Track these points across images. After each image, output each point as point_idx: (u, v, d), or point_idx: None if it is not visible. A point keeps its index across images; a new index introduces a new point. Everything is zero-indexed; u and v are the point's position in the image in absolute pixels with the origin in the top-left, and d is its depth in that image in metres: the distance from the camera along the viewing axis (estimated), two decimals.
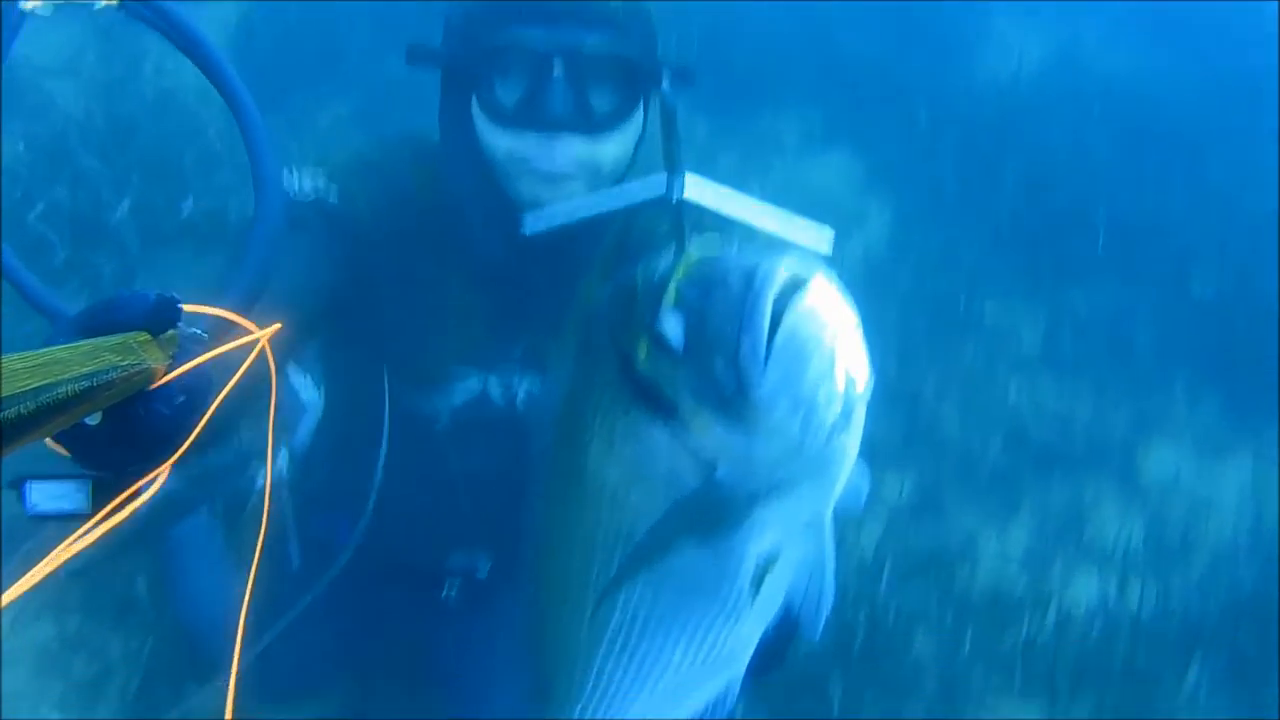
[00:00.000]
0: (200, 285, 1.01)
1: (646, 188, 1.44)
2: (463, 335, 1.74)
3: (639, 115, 1.60)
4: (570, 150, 1.54)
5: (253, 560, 1.01)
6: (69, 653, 2.37)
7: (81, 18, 1.20)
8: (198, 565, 2.26)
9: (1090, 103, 4.13)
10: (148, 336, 0.88)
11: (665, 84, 1.51)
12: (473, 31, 1.56)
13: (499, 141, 1.55)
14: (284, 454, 2.04)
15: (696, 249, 1.28)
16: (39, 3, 1.16)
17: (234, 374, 0.95)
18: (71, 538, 0.80)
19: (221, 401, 0.92)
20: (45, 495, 0.85)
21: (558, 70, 1.50)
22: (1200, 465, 3.39)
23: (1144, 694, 2.76)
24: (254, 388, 1.00)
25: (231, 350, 0.95)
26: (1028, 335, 3.62)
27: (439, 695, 2.10)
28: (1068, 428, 3.38)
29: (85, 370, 0.70)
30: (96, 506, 0.85)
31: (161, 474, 0.88)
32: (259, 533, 1.06)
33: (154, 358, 0.87)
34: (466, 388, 1.77)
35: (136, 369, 0.81)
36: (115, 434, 0.86)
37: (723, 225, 1.45)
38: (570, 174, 1.55)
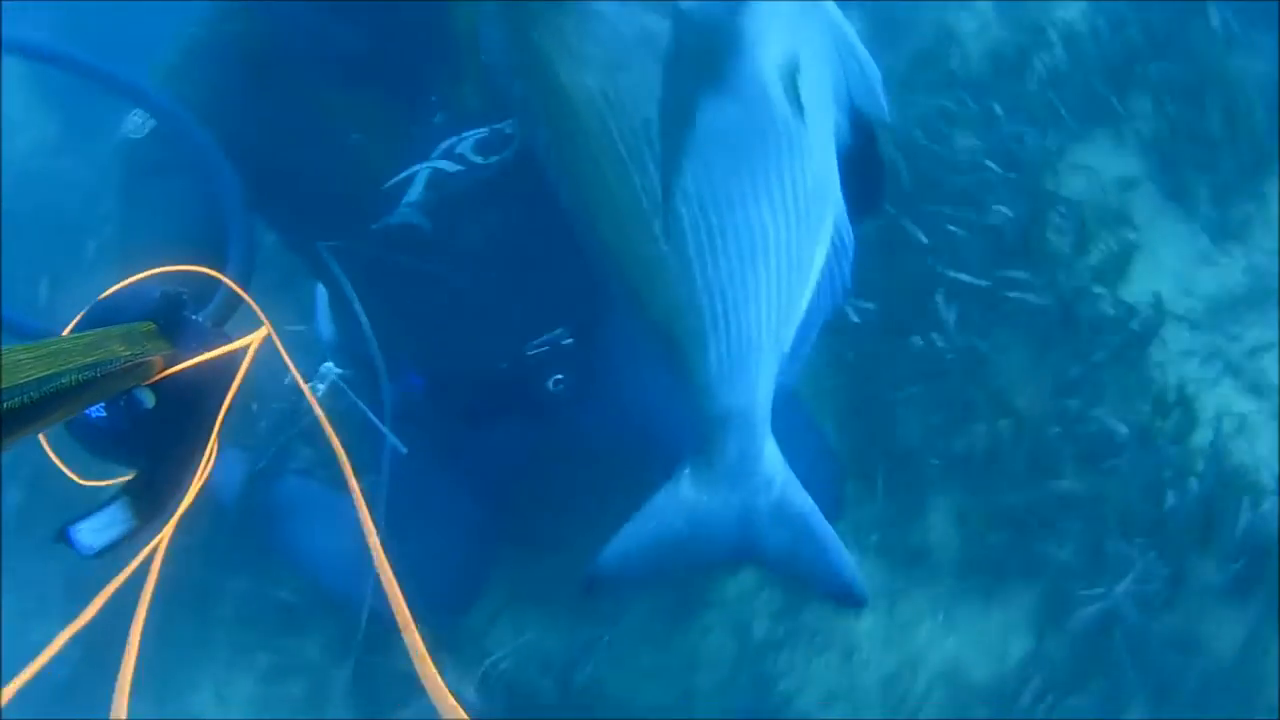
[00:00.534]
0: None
1: None
2: (382, 141, 1.57)
3: None
4: None
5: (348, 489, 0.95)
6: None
7: None
8: (307, 517, 2.20)
9: None
10: (153, 326, 0.89)
11: None
12: None
13: None
14: (323, 381, 1.84)
15: None
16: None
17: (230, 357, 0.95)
18: (145, 551, 0.81)
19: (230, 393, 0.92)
20: (92, 532, 0.84)
21: None
22: None
23: None
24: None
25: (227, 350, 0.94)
26: None
27: (609, 486, 1.81)
28: None
29: (89, 360, 0.71)
30: (142, 516, 0.86)
31: (206, 465, 0.88)
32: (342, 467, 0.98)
33: (157, 348, 0.87)
34: (419, 181, 1.59)
35: (140, 359, 0.82)
36: (166, 416, 0.86)
37: None
38: None
